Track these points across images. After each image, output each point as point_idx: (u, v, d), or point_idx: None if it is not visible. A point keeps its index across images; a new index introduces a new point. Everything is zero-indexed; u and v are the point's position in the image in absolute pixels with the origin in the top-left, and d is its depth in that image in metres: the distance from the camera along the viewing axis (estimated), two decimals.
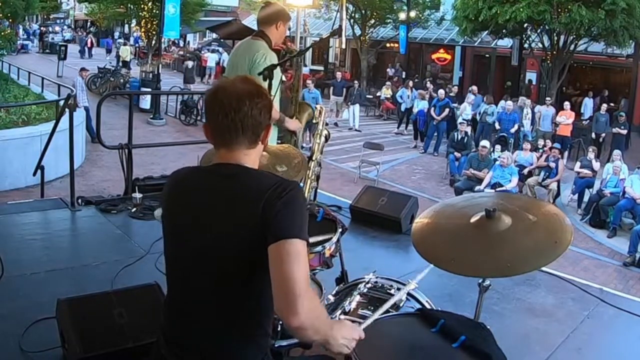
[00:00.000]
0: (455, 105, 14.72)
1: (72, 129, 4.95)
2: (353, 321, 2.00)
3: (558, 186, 10.27)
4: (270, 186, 1.45)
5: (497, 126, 13.50)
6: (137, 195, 4.74)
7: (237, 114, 1.49)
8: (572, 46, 15.36)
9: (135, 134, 5.53)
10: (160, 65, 15.95)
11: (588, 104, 15.92)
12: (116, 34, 37.91)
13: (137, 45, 29.34)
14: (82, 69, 12.95)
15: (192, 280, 1.53)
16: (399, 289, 2.27)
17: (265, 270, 1.43)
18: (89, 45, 32.60)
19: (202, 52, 26.54)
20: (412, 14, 20.68)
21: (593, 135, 13.90)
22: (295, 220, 1.44)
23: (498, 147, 11.51)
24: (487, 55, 21.53)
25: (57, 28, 42.23)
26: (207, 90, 1.58)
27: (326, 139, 2.92)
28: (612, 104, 16.37)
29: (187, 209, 1.55)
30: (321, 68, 26.31)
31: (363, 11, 22.02)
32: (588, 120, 15.51)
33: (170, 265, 1.60)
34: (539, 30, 15.68)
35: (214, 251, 1.47)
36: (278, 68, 2.95)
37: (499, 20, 14.36)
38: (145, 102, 15.50)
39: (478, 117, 14.45)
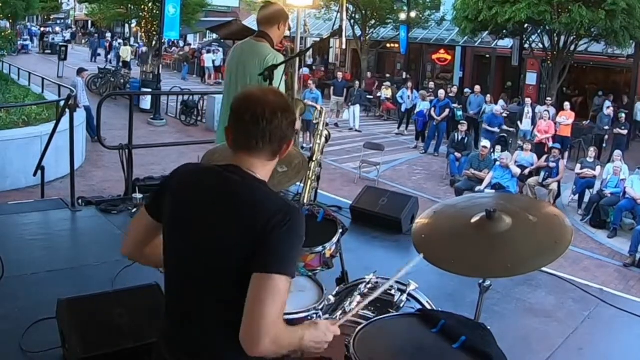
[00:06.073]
0: (455, 105, 14.71)
1: (72, 130, 4.96)
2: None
3: (559, 187, 10.26)
4: (274, 210, 1.44)
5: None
6: (138, 195, 4.74)
7: (269, 124, 1.51)
8: (573, 46, 15.35)
9: (136, 134, 5.53)
10: (160, 66, 15.96)
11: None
12: (109, 35, 36.06)
13: (138, 47, 28.98)
14: (81, 70, 12.91)
15: (191, 279, 1.53)
16: (399, 290, 2.27)
17: None
18: (108, 48, 30.42)
19: (202, 52, 26.52)
20: (413, 14, 20.67)
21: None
22: (287, 254, 1.44)
23: (498, 147, 11.51)
24: (487, 56, 21.51)
25: (58, 29, 42.11)
26: (237, 95, 1.58)
27: (326, 140, 2.93)
28: (614, 104, 16.28)
29: (190, 204, 1.54)
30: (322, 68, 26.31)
31: (363, 12, 22.02)
32: (590, 121, 15.46)
33: (169, 264, 1.59)
34: (539, 31, 15.67)
35: (212, 251, 1.47)
36: (280, 69, 2.95)
37: (499, 21, 14.35)
38: (146, 102, 15.50)
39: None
